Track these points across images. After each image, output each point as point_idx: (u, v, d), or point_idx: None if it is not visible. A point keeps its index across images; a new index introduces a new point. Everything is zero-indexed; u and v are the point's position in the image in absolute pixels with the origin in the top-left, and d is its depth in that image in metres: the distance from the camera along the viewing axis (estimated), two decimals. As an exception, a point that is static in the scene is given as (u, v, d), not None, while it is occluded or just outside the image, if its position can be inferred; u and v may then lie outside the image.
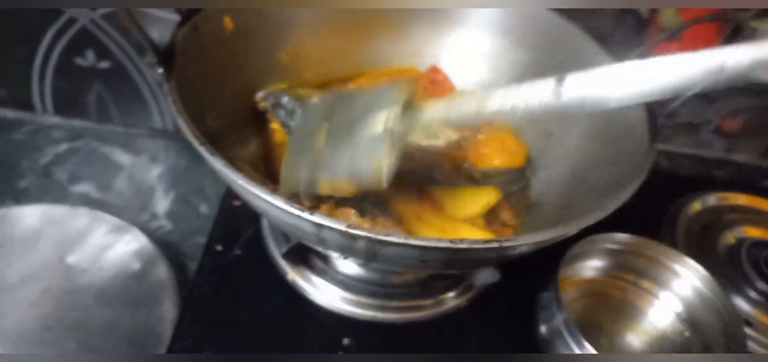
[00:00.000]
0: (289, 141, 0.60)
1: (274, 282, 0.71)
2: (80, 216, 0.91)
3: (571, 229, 0.48)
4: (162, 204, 1.01)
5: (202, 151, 0.48)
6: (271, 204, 0.46)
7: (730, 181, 1.05)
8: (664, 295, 0.73)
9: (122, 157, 1.03)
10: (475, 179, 0.66)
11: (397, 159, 0.51)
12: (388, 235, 0.44)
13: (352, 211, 0.61)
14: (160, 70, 0.53)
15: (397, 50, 0.81)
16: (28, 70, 0.95)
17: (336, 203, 0.60)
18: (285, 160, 0.58)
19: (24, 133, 1.01)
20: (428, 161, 0.67)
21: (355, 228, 0.44)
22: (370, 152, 0.51)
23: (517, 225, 0.69)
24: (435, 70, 0.82)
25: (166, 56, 0.54)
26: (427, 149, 0.67)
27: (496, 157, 0.64)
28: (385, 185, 0.50)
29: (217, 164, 0.48)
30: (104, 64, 0.94)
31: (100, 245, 0.88)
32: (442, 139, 0.68)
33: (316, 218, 0.45)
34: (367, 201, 0.63)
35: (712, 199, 0.91)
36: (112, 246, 0.88)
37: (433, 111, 0.52)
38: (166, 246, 0.92)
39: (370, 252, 0.48)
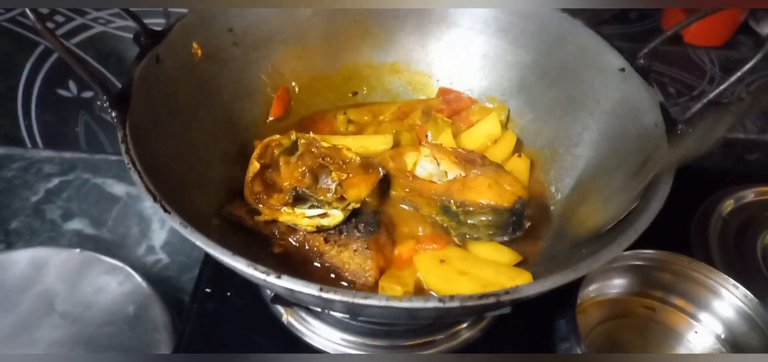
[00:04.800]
0: None
1: (268, 325, 0.65)
2: (71, 259, 0.86)
3: (580, 271, 0.41)
4: (158, 236, 0.96)
5: (158, 208, 0.43)
6: (234, 266, 0.40)
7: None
8: (697, 314, 0.65)
9: (116, 188, 0.98)
10: (454, 212, 0.60)
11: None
12: (366, 298, 0.38)
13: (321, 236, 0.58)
14: (114, 115, 0.48)
15: (386, 57, 0.75)
16: (13, 105, 0.91)
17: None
18: None
19: (14, 170, 0.97)
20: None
21: (328, 291, 0.38)
22: None
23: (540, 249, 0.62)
24: (444, 91, 0.75)
25: (120, 98, 0.49)
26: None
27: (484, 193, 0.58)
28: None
29: (175, 223, 0.42)
30: (87, 94, 0.90)
31: (92, 288, 0.83)
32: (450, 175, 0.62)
33: (285, 282, 0.39)
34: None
35: (750, 195, 0.80)
36: (105, 289, 0.83)
37: None
38: (163, 282, 0.87)
39: (351, 310, 0.43)
